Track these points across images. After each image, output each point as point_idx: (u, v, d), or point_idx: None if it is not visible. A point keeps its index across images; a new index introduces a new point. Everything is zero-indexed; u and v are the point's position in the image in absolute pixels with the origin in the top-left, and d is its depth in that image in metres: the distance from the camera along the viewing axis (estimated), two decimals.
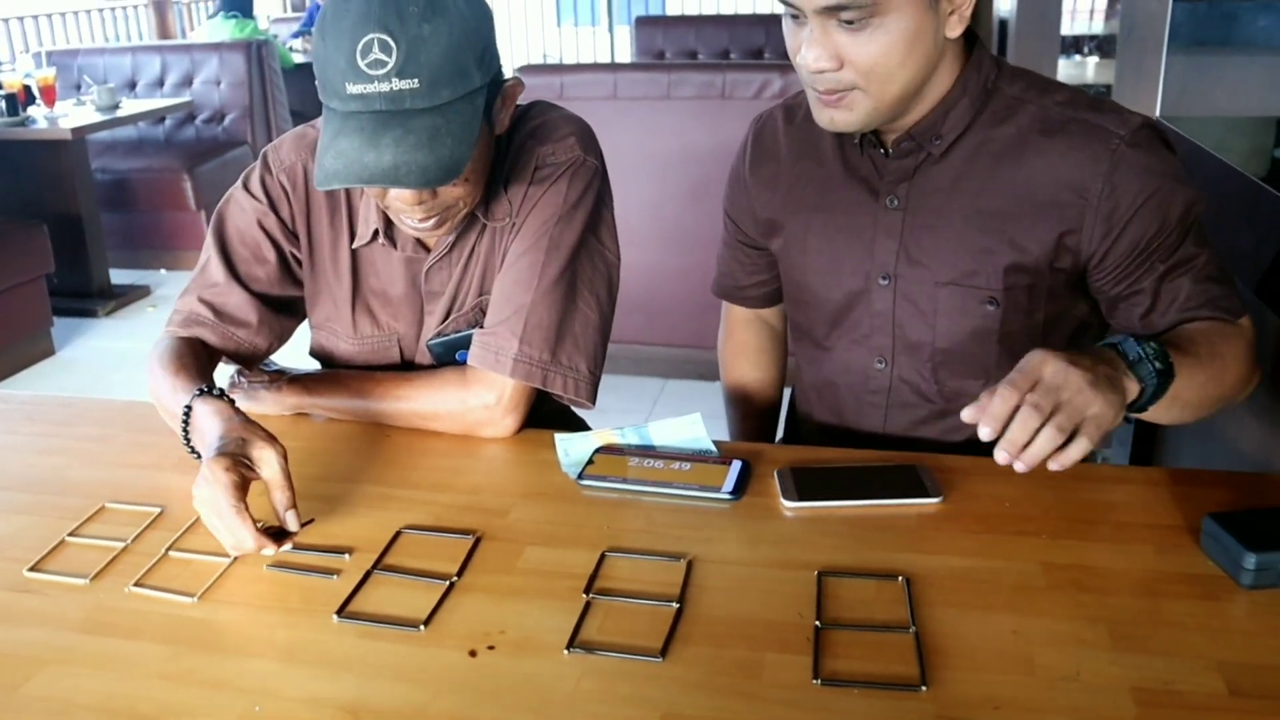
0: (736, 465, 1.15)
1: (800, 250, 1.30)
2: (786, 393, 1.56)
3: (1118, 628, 0.88)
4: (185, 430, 1.12)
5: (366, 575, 0.99)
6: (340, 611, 0.94)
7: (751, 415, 1.53)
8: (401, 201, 1.14)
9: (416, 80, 1.02)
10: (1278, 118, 1.66)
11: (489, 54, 1.11)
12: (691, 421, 1.23)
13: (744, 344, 1.53)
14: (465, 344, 1.30)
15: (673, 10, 10.01)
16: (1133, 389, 0.97)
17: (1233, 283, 1.15)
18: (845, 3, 1.03)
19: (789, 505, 1.08)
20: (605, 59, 8.92)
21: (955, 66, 1.15)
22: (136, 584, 0.99)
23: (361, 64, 1.02)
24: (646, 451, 1.20)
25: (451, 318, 1.32)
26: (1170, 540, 1.01)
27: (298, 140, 1.33)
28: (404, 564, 1.01)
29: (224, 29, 5.52)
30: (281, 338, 1.35)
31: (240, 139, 4.95)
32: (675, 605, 0.93)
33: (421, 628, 0.91)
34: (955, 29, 1.09)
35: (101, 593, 0.99)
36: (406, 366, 1.36)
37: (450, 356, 1.33)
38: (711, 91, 3.29)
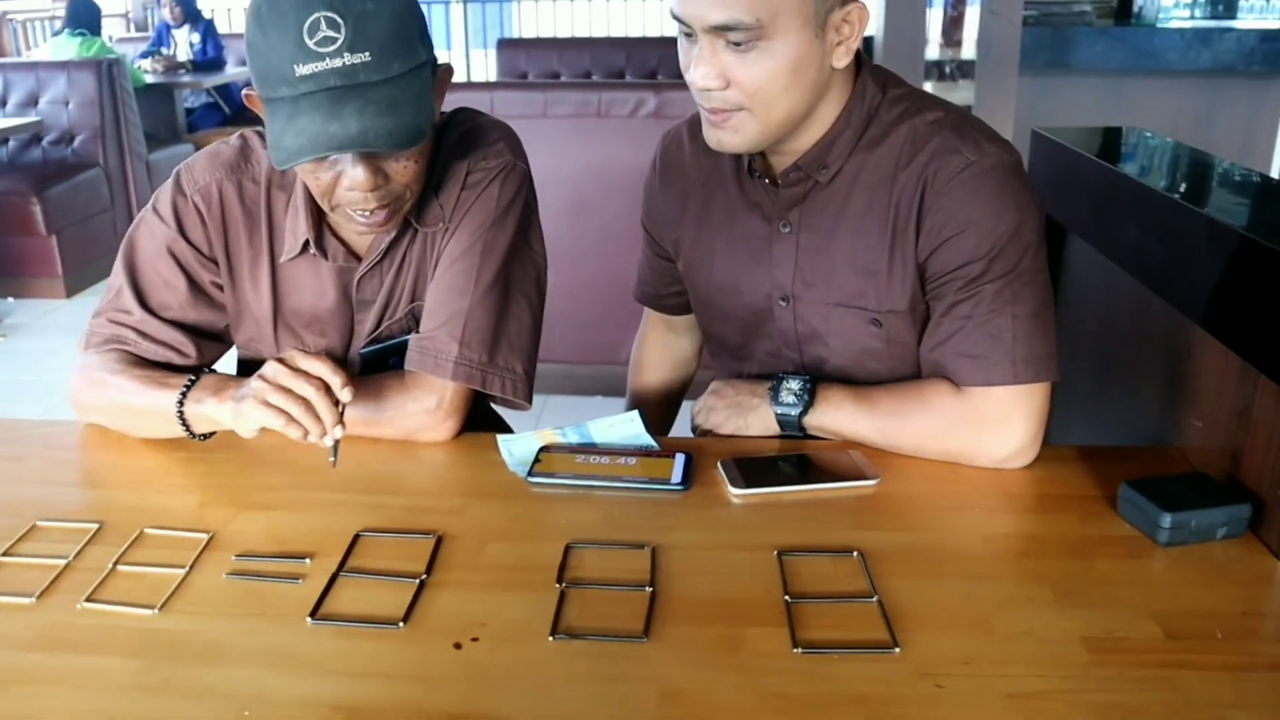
0: (681, 458, 1.19)
1: (707, 269, 1.33)
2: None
3: (1059, 586, 0.95)
4: (181, 413, 1.19)
5: (333, 578, 0.98)
6: (314, 614, 0.93)
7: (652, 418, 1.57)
8: (357, 189, 1.12)
9: (367, 53, 1.04)
10: (1106, 128, 1.83)
11: (425, 32, 1.13)
12: (630, 419, 1.26)
13: (656, 346, 1.58)
14: (398, 350, 1.30)
15: (522, 35, 10.02)
16: (765, 410, 1.25)
17: (1017, 355, 1.13)
18: (732, 24, 1.06)
19: (736, 493, 1.13)
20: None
21: (843, 94, 1.18)
22: (89, 599, 0.96)
23: (310, 43, 1.02)
24: (590, 449, 1.23)
25: (384, 325, 1.32)
26: (1090, 509, 1.09)
27: (211, 159, 1.31)
28: (368, 565, 1.01)
29: (69, 47, 5.27)
30: (207, 361, 1.33)
31: (92, 160, 4.73)
32: (649, 589, 0.95)
33: (401, 625, 0.91)
34: (842, 59, 1.13)
35: (51, 611, 0.95)
36: None
37: (384, 363, 1.32)
38: (588, 110, 3.34)
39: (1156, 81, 3.06)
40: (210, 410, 1.17)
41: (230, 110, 6.39)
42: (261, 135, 1.30)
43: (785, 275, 1.26)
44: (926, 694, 0.82)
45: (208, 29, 6.28)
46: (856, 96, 1.18)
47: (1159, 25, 3.36)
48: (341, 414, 1.11)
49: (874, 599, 0.94)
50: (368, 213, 1.16)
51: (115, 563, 1.02)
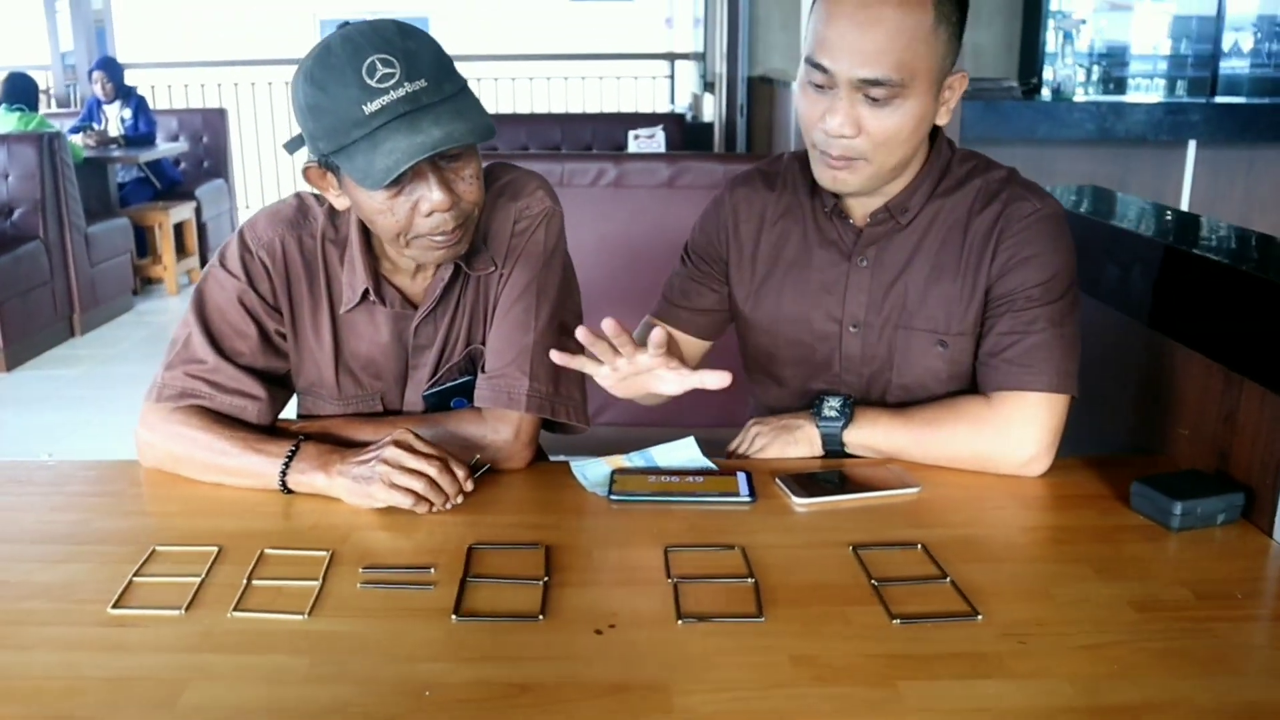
0: (743, 475, 1.32)
1: (775, 300, 1.48)
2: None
3: (1096, 564, 1.11)
4: (284, 483, 1.28)
5: (463, 583, 1.08)
6: (457, 611, 1.03)
7: None
8: (436, 211, 1.22)
9: (423, 80, 1.16)
10: (1063, 186, 2.06)
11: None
12: (687, 444, 1.39)
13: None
14: (459, 392, 1.41)
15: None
16: (810, 430, 1.41)
17: (1053, 367, 1.31)
18: (881, 79, 1.24)
19: (800, 502, 1.26)
20: None
21: (924, 149, 1.38)
22: (238, 609, 1.04)
23: (371, 82, 1.14)
24: (657, 470, 1.35)
25: (442, 368, 1.42)
26: (1104, 505, 1.26)
27: (272, 217, 1.40)
28: (490, 572, 1.11)
29: (8, 122, 5.24)
30: (275, 408, 1.40)
31: (31, 233, 4.70)
32: (751, 580, 1.08)
33: (540, 618, 1.02)
34: (944, 118, 1.33)
35: (202, 621, 1.02)
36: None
37: (445, 404, 1.43)
38: (551, 178, 3.50)
39: (1076, 150, 3.37)
40: (319, 484, 1.26)
41: (161, 185, 6.39)
42: (318, 197, 1.40)
43: (858, 305, 1.42)
44: (1012, 649, 0.96)
45: (139, 105, 6.29)
46: (936, 152, 1.39)
47: (1074, 100, 3.70)
48: (464, 487, 1.25)
49: (946, 579, 1.08)
50: (446, 234, 1.26)
51: (249, 578, 1.10)
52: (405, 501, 1.21)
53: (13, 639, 0.99)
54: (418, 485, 1.21)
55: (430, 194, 1.22)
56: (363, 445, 1.30)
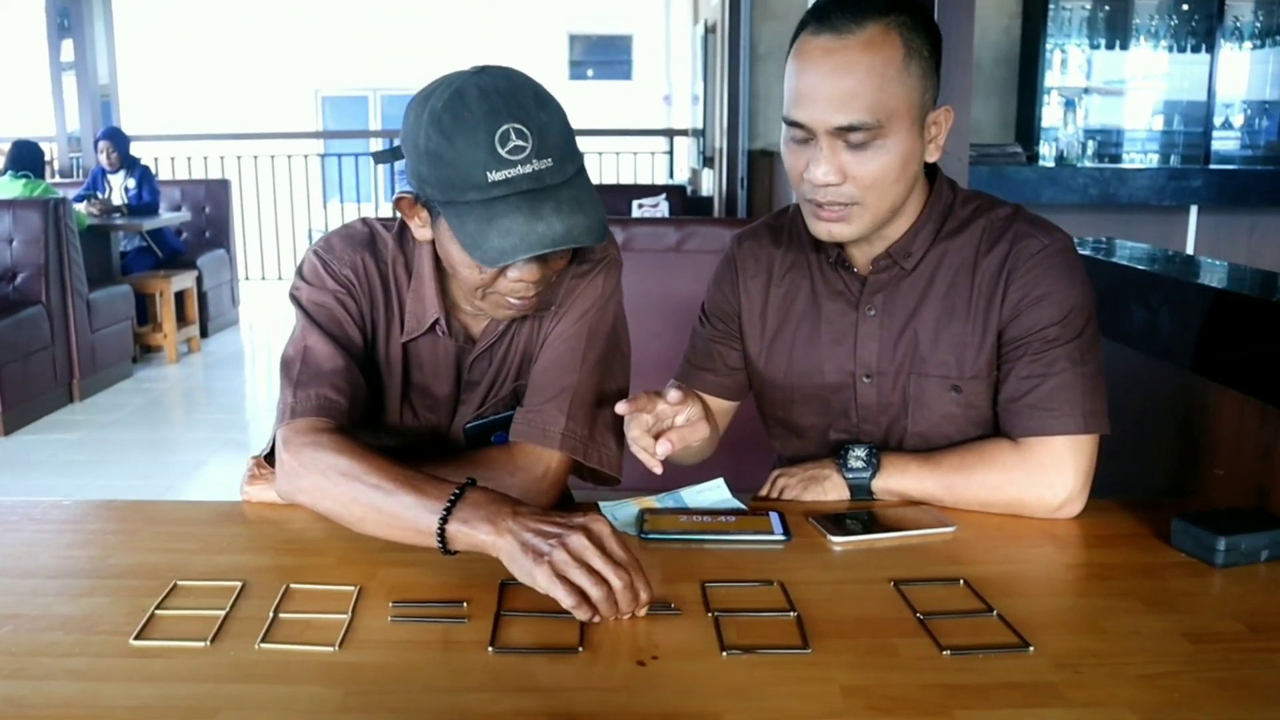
0: (775, 515, 1.30)
1: (786, 354, 1.47)
2: None
3: (1144, 598, 1.09)
4: (442, 530, 1.10)
5: (497, 618, 1.05)
6: (494, 644, 1.00)
7: None
8: (527, 280, 1.22)
9: (550, 160, 1.15)
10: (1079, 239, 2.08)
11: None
12: (716, 485, 1.38)
13: None
14: (501, 425, 1.40)
15: None
16: (837, 478, 1.38)
17: (1078, 408, 1.29)
18: (856, 124, 1.24)
19: (837, 541, 1.24)
20: None
21: (923, 190, 1.38)
22: (265, 640, 1.01)
23: (502, 152, 1.13)
24: (687, 510, 1.33)
25: (489, 402, 1.41)
26: (1143, 544, 1.24)
27: (347, 239, 1.38)
28: (524, 607, 1.08)
29: (13, 188, 5.28)
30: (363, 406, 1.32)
31: (34, 298, 4.71)
32: (794, 614, 1.05)
33: (580, 649, 0.99)
34: (933, 155, 1.33)
35: (229, 652, 0.99)
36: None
37: (486, 438, 1.41)
38: None
39: (1080, 215, 3.41)
40: (482, 538, 1.08)
41: (163, 254, 6.42)
42: (384, 222, 1.40)
43: (870, 354, 1.41)
44: (1068, 679, 0.93)
45: (144, 175, 6.36)
46: (935, 194, 1.38)
47: (1077, 166, 3.76)
48: (639, 608, 1.05)
49: (993, 613, 1.05)
50: (525, 300, 1.26)
51: (275, 610, 1.07)
52: (568, 601, 1.01)
53: (33, 670, 0.96)
54: (594, 591, 1.01)
55: (526, 266, 1.21)
56: None
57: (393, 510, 1.13)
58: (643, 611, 1.04)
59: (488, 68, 1.20)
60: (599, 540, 1.04)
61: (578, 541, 1.03)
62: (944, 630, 1.02)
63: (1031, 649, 0.98)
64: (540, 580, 1.03)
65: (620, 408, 1.23)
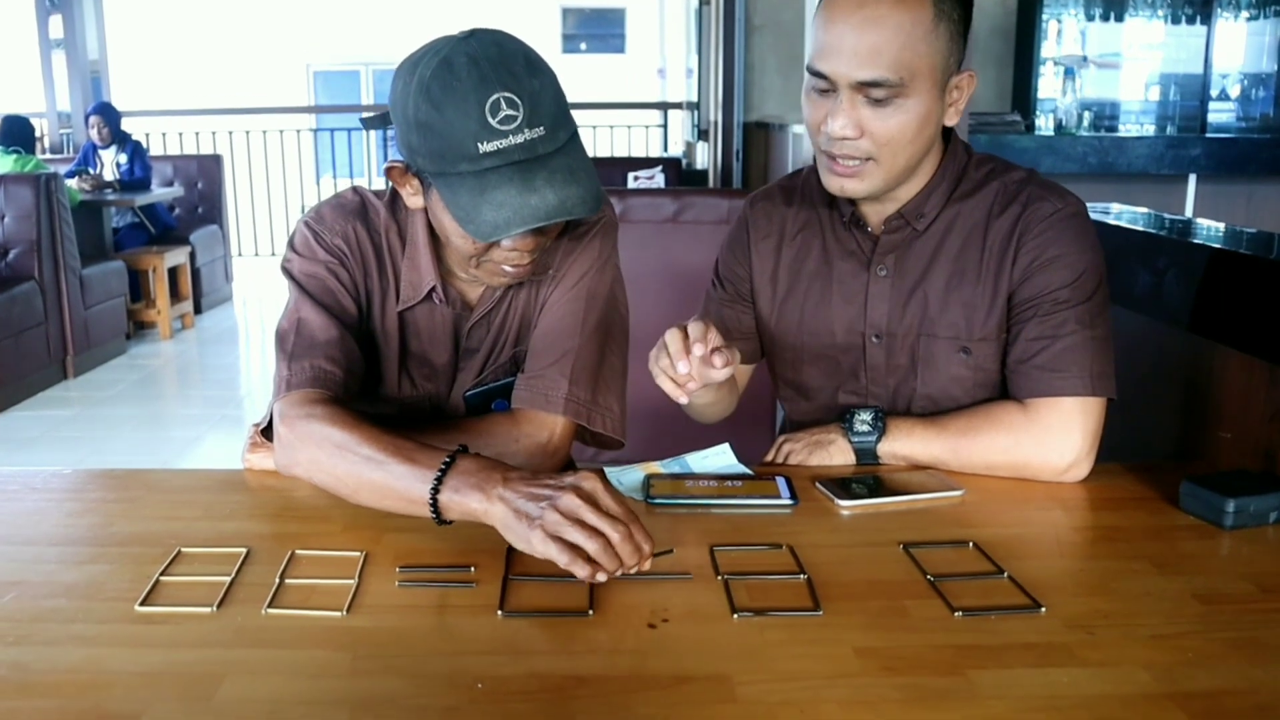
0: (782, 480, 1.29)
1: (798, 314, 1.47)
2: None
3: (1153, 560, 1.08)
4: (435, 498, 1.08)
5: (505, 582, 1.05)
6: (503, 608, 0.99)
7: None
8: (521, 249, 1.21)
9: (542, 128, 1.13)
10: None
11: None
12: (722, 450, 1.37)
13: None
14: (501, 392, 1.38)
15: None
16: (843, 443, 1.38)
17: (1086, 370, 1.29)
18: (879, 80, 1.23)
19: (845, 505, 1.23)
20: None
21: (938, 153, 1.37)
22: (272, 605, 1.00)
23: (493, 122, 1.10)
24: (693, 476, 1.32)
25: (488, 369, 1.40)
26: (1151, 506, 1.24)
27: (338, 209, 1.36)
28: (530, 571, 1.07)
29: (4, 164, 5.23)
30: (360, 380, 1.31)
31: (27, 274, 4.68)
32: (804, 576, 1.05)
33: (590, 613, 0.98)
34: (952, 119, 1.32)
35: (236, 617, 0.98)
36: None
37: (486, 406, 1.40)
38: None
39: (1078, 183, 3.38)
40: (473, 507, 1.06)
41: (155, 230, 6.37)
42: (378, 192, 1.39)
43: (880, 314, 1.40)
44: (1081, 639, 0.93)
45: (135, 150, 6.30)
46: (950, 156, 1.37)
47: (1076, 135, 3.73)
48: (644, 562, 1.02)
49: (1004, 575, 1.05)
50: (520, 267, 1.24)
51: (281, 576, 1.06)
52: (564, 559, 0.98)
53: (37, 635, 0.95)
54: (589, 545, 0.98)
55: (520, 238, 1.20)
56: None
57: (385, 481, 1.12)
58: (648, 564, 1.02)
59: (477, 32, 1.17)
60: (591, 497, 1.01)
61: (569, 501, 1.00)
62: (955, 592, 1.01)
63: (1043, 610, 0.98)
64: (536, 544, 1.00)
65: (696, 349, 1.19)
